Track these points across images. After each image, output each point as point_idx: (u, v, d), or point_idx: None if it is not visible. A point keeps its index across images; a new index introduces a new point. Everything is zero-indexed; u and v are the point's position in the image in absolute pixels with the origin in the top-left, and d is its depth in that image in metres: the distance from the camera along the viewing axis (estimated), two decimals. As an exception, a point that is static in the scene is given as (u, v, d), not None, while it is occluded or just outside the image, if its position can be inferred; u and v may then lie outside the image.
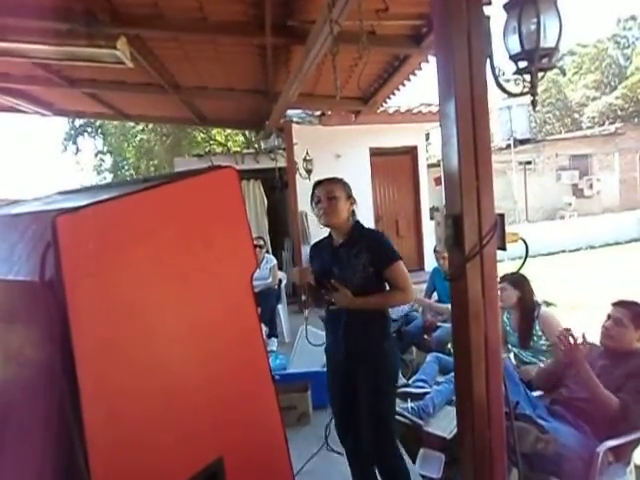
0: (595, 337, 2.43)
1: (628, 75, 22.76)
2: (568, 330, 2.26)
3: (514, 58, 1.50)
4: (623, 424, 2.09)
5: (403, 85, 5.09)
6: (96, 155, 16.84)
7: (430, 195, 8.71)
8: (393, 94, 5.44)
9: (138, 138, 15.23)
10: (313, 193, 2.18)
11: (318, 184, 2.19)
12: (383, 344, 2.10)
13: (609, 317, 2.34)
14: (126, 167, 16.69)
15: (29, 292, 0.98)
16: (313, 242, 2.41)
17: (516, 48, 1.47)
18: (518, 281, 2.99)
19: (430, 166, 9.83)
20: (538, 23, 1.39)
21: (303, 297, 2.32)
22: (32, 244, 1.02)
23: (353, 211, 2.20)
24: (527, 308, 2.97)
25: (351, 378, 2.12)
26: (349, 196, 2.17)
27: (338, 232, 2.19)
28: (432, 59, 4.05)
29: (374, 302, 2.09)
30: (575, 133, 17.40)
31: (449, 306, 4.18)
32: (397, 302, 2.04)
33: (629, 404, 2.08)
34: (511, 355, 3.01)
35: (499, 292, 2.88)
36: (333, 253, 2.20)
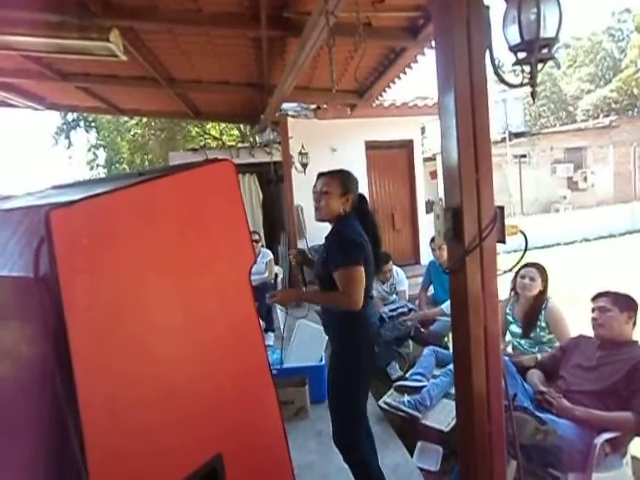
0: (590, 331, 2.46)
1: (622, 68, 22.78)
2: (543, 393, 2.34)
3: (513, 49, 1.48)
4: None
5: (399, 78, 5.06)
6: (89, 149, 16.71)
7: (426, 189, 8.70)
8: (389, 87, 5.41)
9: (132, 132, 15.10)
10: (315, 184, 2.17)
11: (318, 177, 2.17)
12: (348, 344, 2.03)
13: (594, 310, 2.44)
14: (120, 162, 16.55)
15: (23, 288, 0.96)
16: None
17: (516, 39, 1.45)
18: (544, 271, 2.98)
19: (426, 160, 9.81)
20: (538, 13, 1.37)
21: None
22: (25, 239, 1.00)
23: (355, 204, 2.12)
24: (540, 298, 2.97)
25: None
26: (345, 193, 2.08)
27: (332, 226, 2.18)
28: (428, 52, 4.02)
29: (321, 299, 2.14)
30: (570, 126, 17.40)
31: (442, 307, 4.16)
32: (340, 304, 1.95)
33: None
34: (509, 347, 3.01)
35: (527, 280, 2.89)
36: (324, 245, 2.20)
